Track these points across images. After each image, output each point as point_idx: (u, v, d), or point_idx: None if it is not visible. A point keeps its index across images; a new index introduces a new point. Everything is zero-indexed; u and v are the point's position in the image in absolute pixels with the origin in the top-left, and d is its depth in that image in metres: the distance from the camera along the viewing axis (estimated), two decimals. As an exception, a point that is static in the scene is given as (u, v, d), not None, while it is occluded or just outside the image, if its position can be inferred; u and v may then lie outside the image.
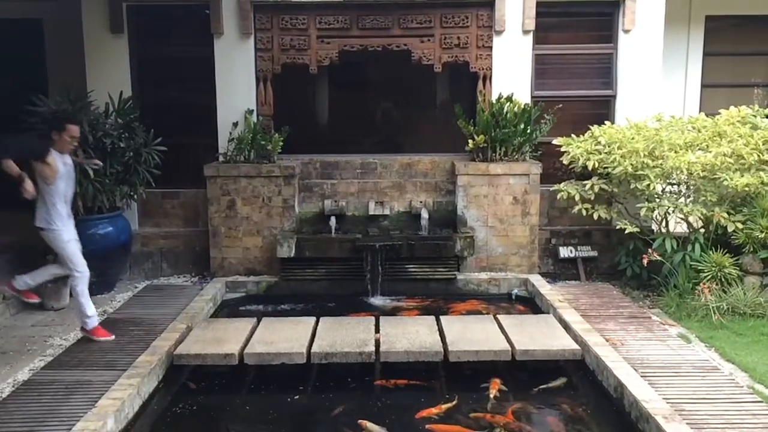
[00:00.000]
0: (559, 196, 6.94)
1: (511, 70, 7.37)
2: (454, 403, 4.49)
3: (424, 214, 7.16)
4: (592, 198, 6.82)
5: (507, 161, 7.16)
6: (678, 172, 6.32)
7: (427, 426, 4.22)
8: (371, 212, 7.34)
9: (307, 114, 8.30)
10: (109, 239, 6.74)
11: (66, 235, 5.16)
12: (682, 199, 6.57)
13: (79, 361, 4.86)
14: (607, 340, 5.17)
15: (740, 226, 6.16)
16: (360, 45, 7.34)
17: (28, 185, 4.92)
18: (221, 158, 7.30)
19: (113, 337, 5.30)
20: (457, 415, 4.38)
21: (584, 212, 6.81)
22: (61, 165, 5.11)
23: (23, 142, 5.16)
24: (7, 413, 4.05)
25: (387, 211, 7.36)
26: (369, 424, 4.19)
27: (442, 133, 7.91)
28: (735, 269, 6.06)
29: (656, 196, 6.56)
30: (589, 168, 6.68)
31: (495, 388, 4.72)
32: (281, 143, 7.18)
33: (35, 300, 5.65)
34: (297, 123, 7.55)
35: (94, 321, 5.30)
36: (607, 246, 7.41)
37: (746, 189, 6.11)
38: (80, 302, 5.23)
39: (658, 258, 6.25)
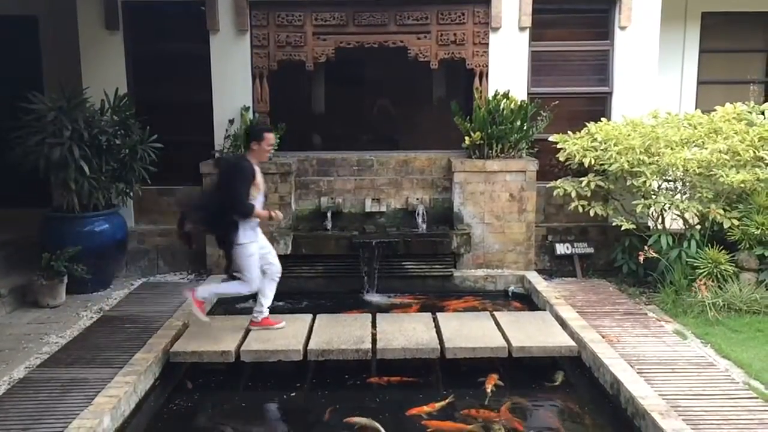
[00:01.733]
0: (555, 193, 6.94)
1: (507, 67, 7.37)
2: (447, 401, 4.49)
3: (421, 211, 7.16)
4: (589, 195, 6.82)
5: (503, 158, 7.15)
6: (674, 169, 6.33)
7: (423, 422, 4.22)
8: (368, 209, 7.33)
9: (303, 111, 8.29)
10: (105, 236, 6.72)
11: (252, 249, 5.13)
12: (678, 196, 6.58)
13: (75, 359, 4.85)
14: (603, 337, 5.18)
15: (736, 222, 6.18)
16: (356, 42, 7.32)
17: (278, 215, 5.14)
18: (217, 155, 7.28)
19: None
20: (450, 411, 4.38)
21: (581, 209, 6.82)
22: (260, 177, 5.14)
23: (242, 181, 4.97)
24: (3, 411, 4.05)
25: (383, 208, 7.36)
26: (356, 419, 4.18)
27: (439, 130, 7.92)
28: (731, 266, 6.08)
29: (652, 192, 6.56)
30: (586, 165, 6.69)
31: (491, 383, 4.74)
32: (277, 140, 7.16)
33: (278, 324, 5.46)
34: (293, 120, 7.54)
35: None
36: (603, 243, 7.41)
37: (742, 185, 6.12)
38: (218, 291, 5.33)
39: (654, 255, 6.26)
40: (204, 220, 5.23)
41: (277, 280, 5.43)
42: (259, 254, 5.22)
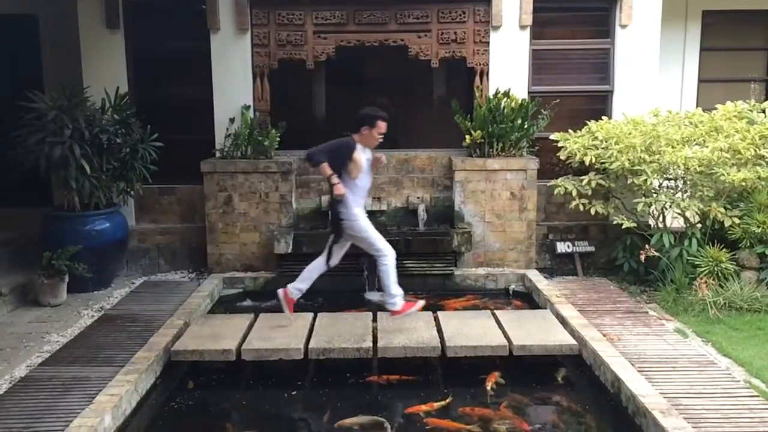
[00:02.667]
0: (556, 192, 6.94)
1: (508, 66, 7.36)
2: (447, 401, 4.48)
3: (422, 210, 7.17)
4: (590, 193, 6.82)
5: (504, 157, 7.15)
6: (675, 168, 6.33)
7: (425, 420, 4.23)
8: (368, 208, 7.30)
9: (303, 110, 8.28)
10: (106, 235, 6.72)
11: (365, 221, 5.25)
12: (679, 194, 6.58)
13: (77, 358, 4.85)
14: (604, 335, 5.18)
15: (737, 221, 6.18)
16: (357, 40, 7.32)
17: (339, 188, 5.08)
18: (218, 154, 7.28)
19: (422, 302, 5.41)
20: (448, 409, 4.38)
21: (581, 207, 6.82)
22: (364, 160, 5.20)
23: (332, 144, 5.19)
24: (4, 410, 4.05)
25: (384, 207, 7.36)
26: (349, 421, 4.18)
27: (439, 129, 7.91)
28: (732, 264, 6.08)
29: (653, 191, 6.56)
30: (586, 163, 6.68)
31: (492, 381, 4.74)
32: (278, 139, 7.17)
33: (289, 314, 5.54)
34: (294, 119, 7.54)
35: (400, 301, 5.29)
36: (604, 241, 7.41)
37: (743, 184, 6.12)
38: (387, 283, 5.27)
39: (655, 253, 6.26)
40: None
41: (323, 269, 5.53)
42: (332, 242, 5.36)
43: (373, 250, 5.33)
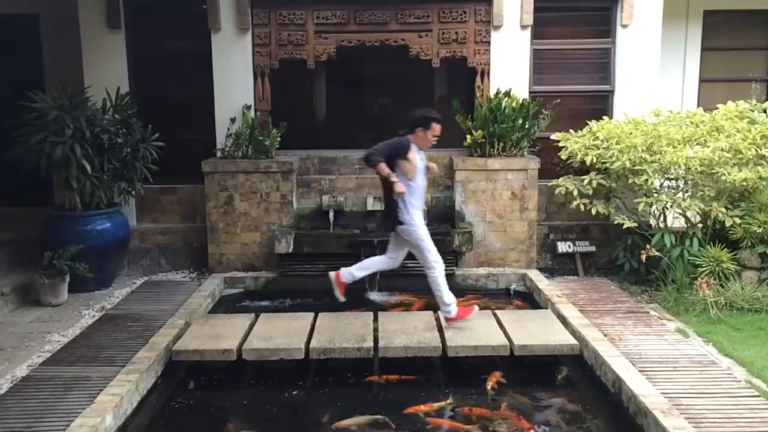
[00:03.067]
0: (557, 192, 6.94)
1: (509, 65, 7.36)
2: (448, 401, 4.48)
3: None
4: (590, 193, 6.82)
5: (505, 156, 7.15)
6: (676, 167, 6.32)
7: (425, 420, 4.23)
8: (369, 208, 7.33)
9: (304, 110, 8.29)
10: (107, 235, 6.73)
11: (423, 229, 5.25)
12: (680, 194, 6.58)
13: (78, 358, 4.85)
14: (605, 335, 5.18)
15: (738, 220, 6.17)
16: (357, 40, 7.32)
17: (399, 186, 5.08)
18: (219, 154, 7.29)
19: (476, 308, 5.40)
20: (447, 409, 4.38)
21: (582, 207, 6.82)
22: (419, 160, 5.19)
23: (388, 143, 5.16)
24: (6, 409, 4.05)
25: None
26: (345, 423, 4.18)
27: (441, 129, 7.90)
28: (733, 264, 6.07)
29: (654, 191, 6.56)
30: (587, 163, 6.68)
31: (493, 380, 4.75)
32: (279, 139, 7.17)
33: (342, 299, 5.65)
34: (295, 119, 7.54)
35: (454, 308, 5.30)
36: (605, 241, 7.41)
37: (744, 184, 6.12)
38: (440, 293, 5.27)
39: (656, 253, 6.25)
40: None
41: (383, 265, 5.60)
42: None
43: (423, 259, 5.31)
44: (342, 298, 5.56)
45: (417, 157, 5.19)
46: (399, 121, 8.20)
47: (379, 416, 4.23)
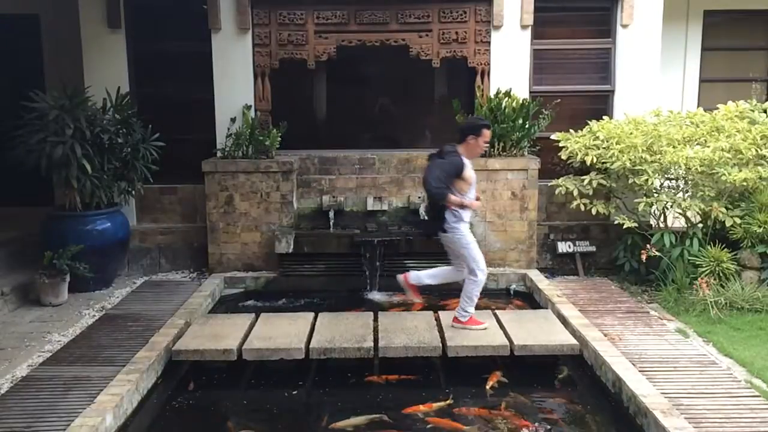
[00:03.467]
0: (557, 192, 6.94)
1: (509, 65, 7.36)
2: (447, 402, 4.47)
3: (423, 210, 7.16)
4: (591, 193, 6.82)
5: (505, 156, 7.15)
6: (676, 167, 6.32)
7: (425, 420, 4.23)
8: (369, 208, 7.34)
9: (305, 109, 8.29)
10: (107, 235, 6.73)
11: (469, 237, 5.18)
12: (680, 194, 6.58)
13: (78, 357, 4.85)
14: (605, 335, 5.18)
15: (738, 221, 6.17)
16: (358, 40, 7.32)
17: (475, 203, 5.13)
18: (219, 154, 7.29)
19: (486, 324, 5.32)
20: (446, 409, 4.38)
21: (582, 207, 6.82)
22: (472, 172, 5.13)
23: (445, 170, 5.00)
24: (6, 409, 4.05)
25: (385, 207, 7.36)
26: (340, 424, 4.18)
27: (441, 129, 7.91)
28: (733, 264, 6.07)
29: (654, 191, 6.56)
30: (588, 163, 6.68)
31: (494, 380, 4.75)
32: (279, 139, 7.17)
33: (418, 299, 5.67)
34: (295, 119, 7.54)
35: (467, 317, 5.30)
36: (605, 241, 7.41)
37: (744, 184, 6.12)
38: (467, 300, 5.26)
39: (656, 253, 6.25)
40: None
41: (441, 278, 5.47)
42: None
43: (467, 266, 5.24)
44: (418, 299, 5.45)
45: (471, 172, 5.12)
46: (399, 121, 8.25)
47: (376, 416, 4.23)
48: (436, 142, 7.69)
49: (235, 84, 7.35)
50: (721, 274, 6.02)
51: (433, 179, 4.95)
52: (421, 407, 4.37)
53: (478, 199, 5.30)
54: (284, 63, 7.38)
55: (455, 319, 5.34)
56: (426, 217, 5.37)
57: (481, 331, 5.23)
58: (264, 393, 4.79)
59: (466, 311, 5.29)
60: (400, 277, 5.54)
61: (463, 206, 5.06)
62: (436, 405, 4.41)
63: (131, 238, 7.23)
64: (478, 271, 5.20)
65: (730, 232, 6.23)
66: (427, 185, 4.99)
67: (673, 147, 6.31)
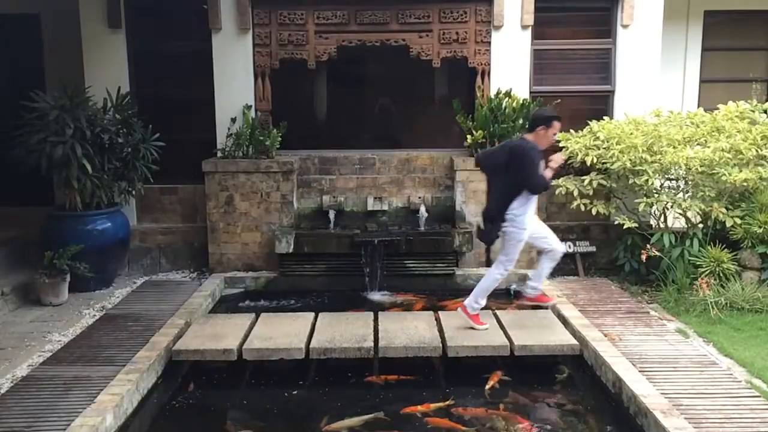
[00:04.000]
0: (557, 192, 6.93)
1: (509, 66, 7.36)
2: (447, 402, 4.47)
3: (423, 210, 7.17)
4: (591, 193, 6.82)
5: (506, 156, 7.14)
6: (676, 168, 6.32)
7: (424, 420, 4.23)
8: (370, 208, 7.34)
9: (305, 110, 8.29)
10: (108, 235, 6.73)
11: (524, 235, 5.17)
12: (681, 195, 6.57)
13: (78, 357, 4.86)
14: (605, 335, 5.18)
15: (738, 221, 6.17)
16: (358, 40, 7.32)
17: (556, 157, 5.18)
18: (219, 154, 7.29)
19: (487, 326, 5.32)
20: (445, 409, 4.39)
21: (582, 207, 6.81)
22: (541, 163, 5.13)
23: (532, 162, 4.99)
24: (6, 409, 4.05)
25: (385, 207, 7.37)
26: (335, 425, 4.18)
27: (441, 129, 7.91)
28: (733, 264, 6.07)
29: (654, 191, 6.56)
30: (588, 163, 6.68)
31: (495, 379, 4.75)
32: (279, 139, 7.17)
33: (549, 302, 5.74)
34: (295, 119, 7.55)
35: (476, 310, 5.33)
36: (605, 241, 7.41)
37: (744, 184, 6.11)
38: (480, 291, 5.28)
39: (657, 253, 6.25)
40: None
41: (558, 259, 5.46)
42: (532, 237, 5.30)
43: (502, 256, 5.26)
44: (483, 327, 5.31)
45: (540, 161, 5.13)
46: (399, 121, 8.24)
47: (370, 416, 4.23)
48: (436, 142, 7.73)
49: (235, 84, 7.36)
50: (721, 275, 6.02)
51: (537, 175, 5.01)
52: (419, 407, 4.37)
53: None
54: (284, 63, 7.38)
55: (463, 308, 5.34)
56: (485, 224, 5.31)
57: (482, 331, 5.24)
58: (264, 393, 4.79)
59: (477, 302, 5.30)
60: (461, 311, 5.39)
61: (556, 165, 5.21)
62: (434, 405, 4.41)
63: (131, 238, 7.24)
64: (505, 271, 5.26)
65: (731, 232, 6.23)
66: (533, 184, 5.01)
67: (674, 147, 6.31)
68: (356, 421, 4.20)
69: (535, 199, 5.21)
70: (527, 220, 5.16)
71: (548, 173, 5.13)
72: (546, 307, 5.50)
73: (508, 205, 5.10)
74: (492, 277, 5.30)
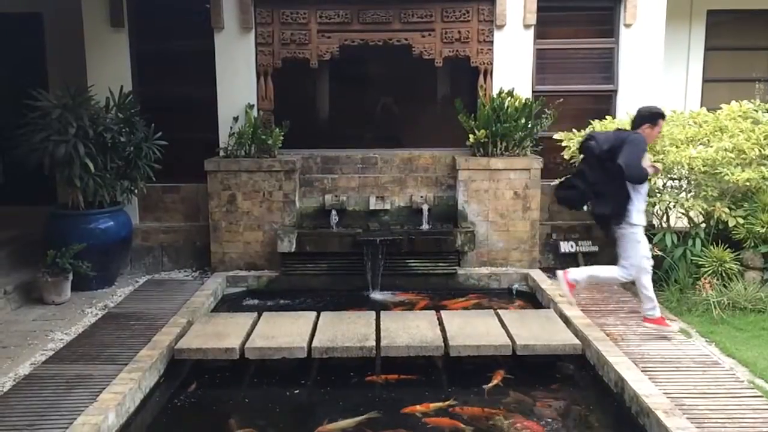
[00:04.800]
0: (559, 191, 6.93)
1: (512, 65, 7.36)
2: (447, 402, 4.47)
3: (425, 209, 7.17)
4: (593, 193, 6.80)
5: (508, 156, 7.15)
6: (679, 167, 6.31)
7: (424, 420, 4.23)
8: (372, 207, 7.34)
9: (307, 109, 8.29)
10: (110, 234, 6.73)
11: (641, 236, 5.12)
12: (683, 194, 6.56)
13: (80, 356, 4.86)
14: (607, 335, 5.17)
15: (741, 221, 6.16)
16: (361, 39, 7.32)
17: (657, 168, 5.11)
18: (222, 153, 7.30)
19: (672, 326, 5.21)
20: (444, 409, 4.39)
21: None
22: (648, 162, 5.09)
23: (635, 150, 4.92)
24: (9, 407, 4.06)
25: (388, 206, 7.36)
26: (328, 427, 4.18)
27: (443, 128, 7.90)
28: (736, 264, 6.06)
29: (657, 190, 6.54)
30: (590, 163, 6.66)
31: (498, 378, 4.76)
32: (281, 138, 7.18)
33: (571, 298, 5.59)
34: (298, 118, 7.55)
35: (655, 314, 5.20)
36: (607, 241, 7.32)
37: (747, 184, 6.10)
38: (645, 297, 5.19)
39: (659, 253, 6.24)
40: (576, 198, 5.35)
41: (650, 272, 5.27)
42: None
43: (625, 259, 5.18)
44: (571, 298, 5.41)
45: (647, 160, 5.09)
46: (401, 121, 8.24)
47: (364, 417, 4.22)
48: (438, 141, 7.72)
49: (237, 83, 7.36)
50: (723, 275, 6.01)
51: (639, 163, 4.90)
52: (418, 407, 4.36)
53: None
54: (287, 62, 7.39)
55: (645, 319, 5.24)
56: (603, 208, 5.18)
57: (483, 331, 5.23)
58: (266, 392, 4.79)
59: (652, 307, 5.19)
60: (560, 273, 5.51)
61: (655, 171, 5.16)
62: (433, 405, 4.41)
63: (134, 237, 7.24)
64: (627, 274, 5.18)
65: (733, 232, 6.22)
66: (632, 167, 4.86)
67: (676, 147, 6.30)
68: (349, 423, 4.19)
69: (643, 199, 5.10)
70: (641, 220, 5.08)
71: (650, 169, 5.04)
72: (666, 333, 5.21)
73: (626, 204, 5.01)
74: (610, 273, 5.22)
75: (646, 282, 5.17)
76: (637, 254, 5.13)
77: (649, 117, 5.11)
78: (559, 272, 5.50)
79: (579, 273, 5.43)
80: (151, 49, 7.51)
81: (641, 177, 4.96)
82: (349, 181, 7.46)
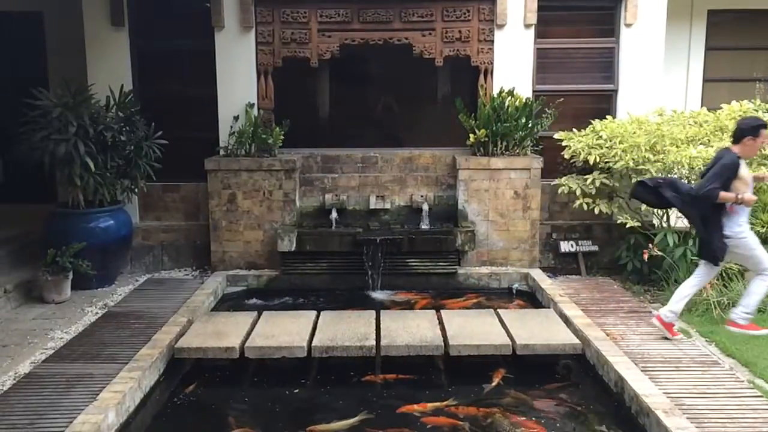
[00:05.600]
0: (560, 191, 6.93)
1: (512, 64, 7.36)
2: (445, 402, 4.47)
3: (425, 209, 7.17)
4: (593, 192, 6.81)
5: (508, 155, 7.15)
6: (679, 167, 6.31)
7: (422, 419, 4.24)
8: (372, 206, 7.34)
9: (307, 108, 8.28)
10: (110, 233, 6.73)
11: (753, 241, 5.04)
12: (684, 194, 6.55)
13: (80, 355, 4.87)
14: (607, 335, 5.17)
15: (741, 220, 6.15)
16: (361, 38, 7.32)
17: (750, 198, 4.90)
18: (222, 152, 7.29)
19: (765, 332, 5.08)
20: (442, 409, 4.39)
21: (585, 207, 6.81)
22: (747, 171, 5.00)
23: (718, 170, 4.85)
24: (9, 406, 4.06)
25: (388, 206, 7.36)
26: (319, 428, 4.18)
27: (443, 128, 7.90)
28: (736, 264, 6.05)
29: (657, 190, 6.54)
30: (591, 162, 6.67)
31: (498, 377, 4.76)
32: (282, 137, 7.17)
33: (761, 332, 5.14)
34: (298, 117, 7.55)
35: (747, 320, 5.09)
36: (607, 241, 7.40)
37: (748, 184, 6.09)
38: (750, 299, 5.05)
39: (659, 253, 6.25)
40: (654, 203, 5.38)
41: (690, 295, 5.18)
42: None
43: (759, 269, 5.06)
44: (674, 336, 5.15)
45: (747, 172, 4.99)
46: (402, 120, 8.24)
47: (356, 419, 4.22)
48: (438, 140, 7.72)
49: (238, 82, 7.36)
50: (723, 275, 6.00)
51: (708, 180, 4.83)
52: (416, 407, 4.37)
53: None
54: (287, 61, 7.38)
55: (731, 323, 5.13)
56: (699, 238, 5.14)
57: (483, 331, 5.23)
58: (265, 391, 4.79)
59: (745, 315, 5.06)
60: (656, 321, 5.20)
61: (737, 202, 4.87)
62: (431, 405, 4.41)
63: (134, 236, 7.24)
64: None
65: (733, 232, 6.21)
66: (701, 186, 4.84)
67: (677, 147, 6.30)
68: (341, 425, 4.19)
69: (744, 212, 5.00)
70: (744, 229, 5.00)
71: (726, 194, 4.84)
72: (757, 336, 5.10)
73: (717, 225, 4.94)
74: (760, 283, 5.06)
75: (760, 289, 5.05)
76: (763, 256, 5.00)
77: (751, 130, 4.93)
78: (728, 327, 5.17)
79: (739, 311, 5.10)
80: (152, 48, 7.51)
81: (706, 195, 4.84)
82: (350, 180, 7.46)
